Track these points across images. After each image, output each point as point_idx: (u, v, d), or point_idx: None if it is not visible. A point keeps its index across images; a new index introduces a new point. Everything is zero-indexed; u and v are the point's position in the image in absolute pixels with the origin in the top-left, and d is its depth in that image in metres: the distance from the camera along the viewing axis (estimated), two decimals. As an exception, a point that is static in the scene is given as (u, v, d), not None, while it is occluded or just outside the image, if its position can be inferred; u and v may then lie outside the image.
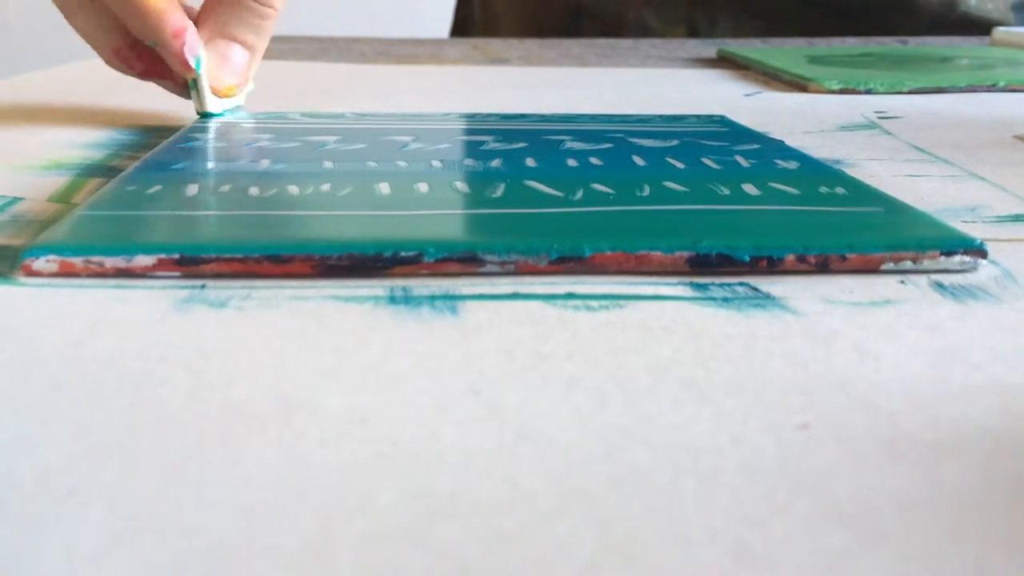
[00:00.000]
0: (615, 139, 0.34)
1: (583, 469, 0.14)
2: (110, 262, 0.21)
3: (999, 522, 0.13)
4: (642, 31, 0.78)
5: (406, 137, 0.34)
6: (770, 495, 0.14)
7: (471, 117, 0.39)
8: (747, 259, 0.22)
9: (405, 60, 0.64)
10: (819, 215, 0.25)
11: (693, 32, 0.78)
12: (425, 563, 0.12)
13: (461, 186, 0.27)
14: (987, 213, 0.28)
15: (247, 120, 0.37)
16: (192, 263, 0.21)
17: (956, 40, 0.75)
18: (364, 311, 0.20)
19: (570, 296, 0.21)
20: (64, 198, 0.28)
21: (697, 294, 0.21)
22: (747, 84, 0.54)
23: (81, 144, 0.35)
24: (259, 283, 0.21)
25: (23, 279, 0.21)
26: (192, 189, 0.26)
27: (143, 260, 0.21)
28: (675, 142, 0.33)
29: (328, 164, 0.29)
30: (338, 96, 0.48)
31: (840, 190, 0.27)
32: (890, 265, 0.22)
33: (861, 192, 0.27)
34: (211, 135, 0.34)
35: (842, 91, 0.50)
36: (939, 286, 0.22)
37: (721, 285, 0.21)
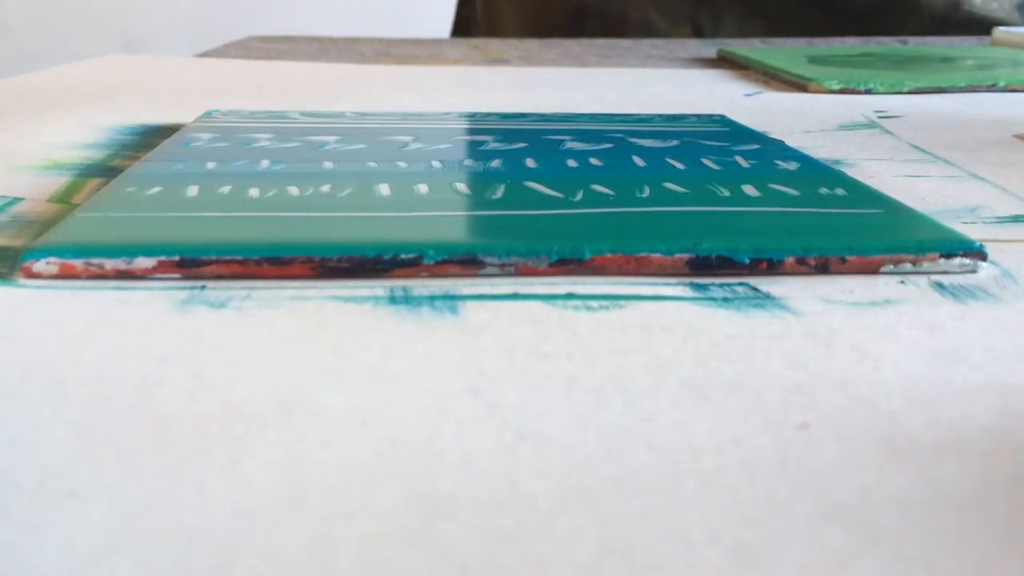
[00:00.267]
0: (615, 139, 0.34)
1: (583, 469, 0.14)
2: (110, 264, 0.21)
3: (999, 522, 0.13)
4: (646, 30, 0.78)
5: (406, 137, 0.34)
6: (770, 495, 0.14)
7: (471, 117, 0.39)
8: (747, 261, 0.22)
9: (405, 60, 0.64)
10: (819, 217, 0.25)
11: (697, 31, 0.78)
12: (425, 563, 0.12)
13: (461, 187, 0.27)
14: (987, 214, 0.28)
15: (247, 120, 0.37)
16: (192, 265, 0.21)
17: (956, 40, 0.75)
18: (364, 311, 0.20)
19: (570, 296, 0.21)
20: (64, 198, 0.28)
21: (697, 294, 0.21)
22: (747, 84, 0.54)
23: (81, 144, 0.35)
24: (259, 284, 0.21)
25: (23, 281, 0.21)
26: (192, 190, 0.26)
27: (143, 262, 0.21)
28: (675, 142, 0.33)
29: (328, 164, 0.29)
30: (338, 96, 0.48)
31: (840, 191, 0.27)
32: (890, 267, 0.22)
33: (861, 193, 0.27)
34: (211, 135, 0.34)
35: (842, 91, 0.50)
36: (939, 286, 0.22)
37: (721, 285, 0.21)
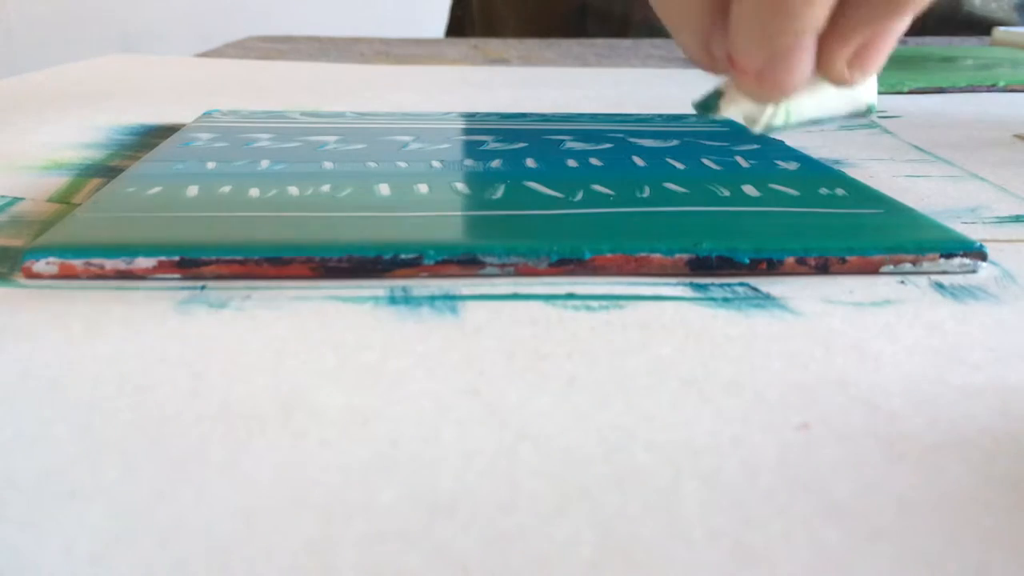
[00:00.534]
0: (615, 139, 0.34)
1: (583, 469, 0.14)
2: (110, 264, 0.21)
3: (999, 522, 0.13)
4: (648, 31, 0.78)
5: (406, 137, 0.34)
6: (770, 495, 0.14)
7: (471, 117, 0.39)
8: (747, 261, 0.22)
9: (405, 60, 0.64)
10: (819, 217, 0.25)
11: None
12: (425, 563, 0.12)
13: (461, 187, 0.27)
14: (987, 214, 0.28)
15: (247, 120, 0.37)
16: (192, 265, 0.21)
17: (956, 40, 0.75)
18: (364, 311, 0.20)
19: (570, 296, 0.21)
20: (64, 198, 0.28)
21: (697, 294, 0.21)
22: (747, 84, 0.54)
23: (81, 144, 0.35)
24: (259, 284, 0.21)
25: (24, 281, 0.21)
26: (192, 190, 0.26)
27: (143, 262, 0.21)
28: (675, 142, 0.33)
29: (328, 164, 0.29)
30: (338, 96, 0.48)
31: (840, 191, 0.27)
32: (890, 267, 0.22)
33: (861, 193, 0.27)
34: (211, 135, 0.34)
35: (842, 91, 0.50)
36: (939, 286, 0.22)
37: (721, 285, 0.21)
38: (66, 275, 0.21)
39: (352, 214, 0.24)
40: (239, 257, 0.21)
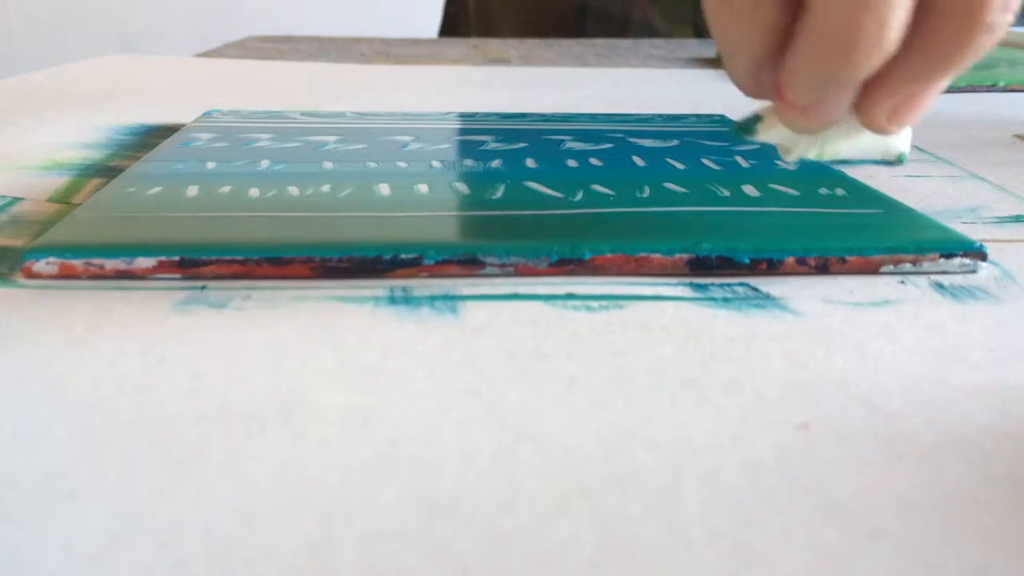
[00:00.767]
0: (615, 139, 0.34)
1: (583, 469, 0.14)
2: (110, 264, 0.21)
3: (999, 522, 0.13)
4: (648, 31, 0.78)
5: (406, 137, 0.34)
6: (770, 495, 0.14)
7: (471, 117, 0.39)
8: (747, 261, 0.22)
9: (405, 60, 0.64)
10: (819, 217, 0.25)
11: (699, 32, 0.78)
12: (425, 563, 0.12)
13: (461, 187, 0.27)
14: (987, 214, 0.28)
15: (247, 120, 0.37)
16: (192, 265, 0.21)
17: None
18: (364, 311, 0.20)
19: (570, 296, 0.21)
20: (64, 198, 0.28)
21: (697, 294, 0.21)
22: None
23: (81, 144, 0.35)
24: (259, 284, 0.21)
25: (23, 281, 0.21)
26: (192, 190, 0.26)
27: (144, 262, 0.21)
28: (675, 142, 0.33)
29: (328, 164, 0.29)
30: (338, 96, 0.48)
31: (840, 191, 0.27)
32: (890, 267, 0.22)
33: (861, 193, 0.27)
34: (211, 135, 0.34)
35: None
36: (939, 286, 0.22)
37: (721, 285, 0.21)
38: (66, 275, 0.21)
39: (352, 214, 0.24)
40: (239, 257, 0.21)
